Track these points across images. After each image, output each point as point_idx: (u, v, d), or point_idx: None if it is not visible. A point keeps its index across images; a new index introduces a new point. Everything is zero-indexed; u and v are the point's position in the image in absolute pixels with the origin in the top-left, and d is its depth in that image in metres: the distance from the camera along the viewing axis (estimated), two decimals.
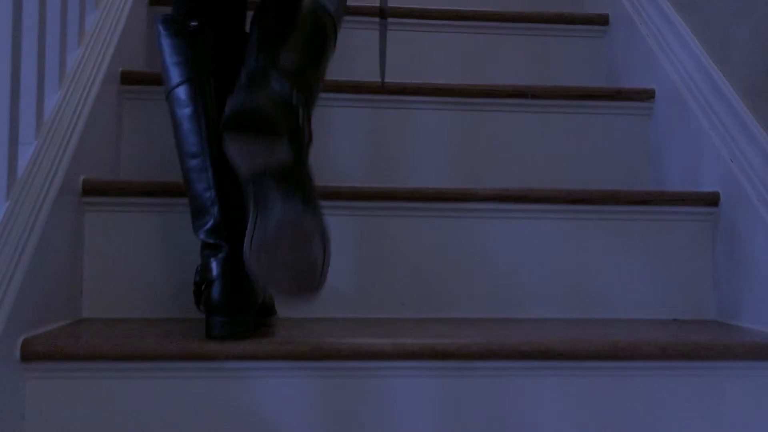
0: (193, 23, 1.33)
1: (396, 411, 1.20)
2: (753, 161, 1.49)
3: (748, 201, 1.47)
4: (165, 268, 1.48)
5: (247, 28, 1.40)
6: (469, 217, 1.53)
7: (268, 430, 1.18)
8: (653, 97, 1.85)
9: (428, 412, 1.20)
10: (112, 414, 1.16)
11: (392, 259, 1.52)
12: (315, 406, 1.18)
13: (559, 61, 2.14)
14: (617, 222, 1.56)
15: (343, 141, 1.79)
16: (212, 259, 1.21)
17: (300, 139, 1.14)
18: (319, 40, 1.25)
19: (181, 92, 1.30)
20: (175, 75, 1.32)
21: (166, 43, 1.34)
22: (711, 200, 1.56)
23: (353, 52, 2.06)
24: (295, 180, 1.13)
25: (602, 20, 2.15)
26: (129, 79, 1.74)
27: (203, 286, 1.22)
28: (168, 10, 1.42)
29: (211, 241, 1.23)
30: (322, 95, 1.74)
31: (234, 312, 1.18)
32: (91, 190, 1.45)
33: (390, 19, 1.88)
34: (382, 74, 1.54)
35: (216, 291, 1.19)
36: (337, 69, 2.01)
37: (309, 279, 1.13)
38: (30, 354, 1.14)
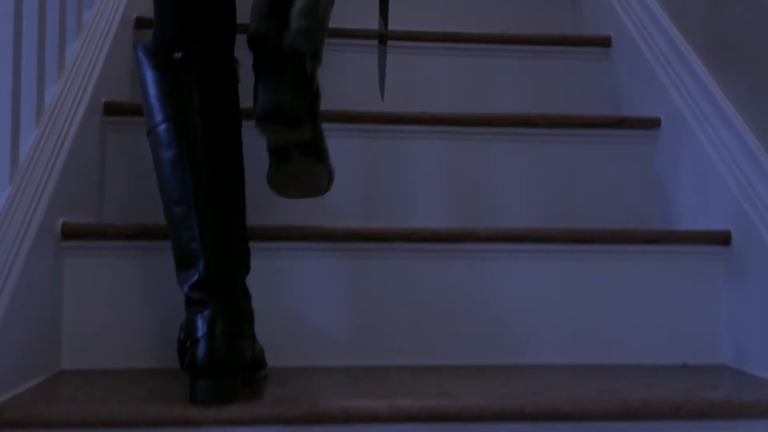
0: (176, 55, 1.23)
1: None
2: (766, 199, 1.42)
3: (760, 240, 1.40)
4: (149, 314, 1.40)
5: (237, 52, 1.33)
6: (469, 258, 1.46)
7: None
8: (659, 125, 1.78)
9: None
10: None
11: (388, 303, 1.45)
12: None
13: (560, 84, 2.07)
14: (624, 262, 1.48)
15: (338, 173, 1.72)
16: (198, 317, 1.13)
17: (316, 119, 1.37)
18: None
19: (163, 132, 1.20)
20: (157, 112, 1.22)
21: (147, 74, 1.25)
22: (722, 239, 1.49)
23: (347, 78, 1.99)
24: (312, 145, 1.37)
25: (605, 42, 2.08)
26: (113, 110, 1.66)
27: (188, 344, 1.14)
28: None
29: (196, 296, 1.15)
30: None
31: (220, 375, 1.10)
32: (70, 233, 1.38)
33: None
34: (382, 90, 1.47)
35: (201, 352, 1.11)
36: (330, 95, 1.94)
37: (315, 194, 1.46)
38: (1, 423, 1.06)
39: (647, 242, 1.48)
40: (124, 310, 1.40)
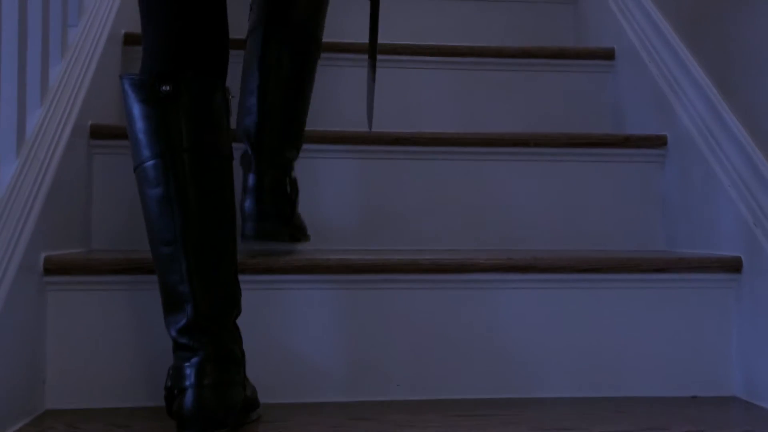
0: (164, 88, 1.16)
1: None
2: None
3: None
4: (136, 351, 1.34)
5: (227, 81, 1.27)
6: (470, 288, 1.40)
7: None
8: (665, 144, 1.72)
9: None
10: None
11: (386, 336, 1.39)
12: None
13: (560, 99, 2.02)
14: (631, 290, 1.43)
15: (332, 197, 1.66)
16: (185, 364, 1.07)
17: (296, 225, 1.49)
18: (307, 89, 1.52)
19: (151, 169, 1.14)
20: (144, 148, 1.15)
21: (134, 108, 1.18)
22: (733, 266, 1.43)
23: (341, 95, 1.93)
24: (289, 234, 1.48)
25: (608, 55, 2.02)
26: (100, 133, 1.60)
27: (175, 392, 1.08)
28: None
29: (184, 341, 1.09)
30: (309, 147, 1.62)
31: (208, 426, 1.05)
32: (53, 268, 1.32)
33: (380, 56, 1.74)
34: (370, 120, 1.41)
35: (189, 402, 1.05)
36: (323, 115, 1.88)
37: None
38: None
39: (655, 271, 1.42)
40: (111, 347, 1.34)
